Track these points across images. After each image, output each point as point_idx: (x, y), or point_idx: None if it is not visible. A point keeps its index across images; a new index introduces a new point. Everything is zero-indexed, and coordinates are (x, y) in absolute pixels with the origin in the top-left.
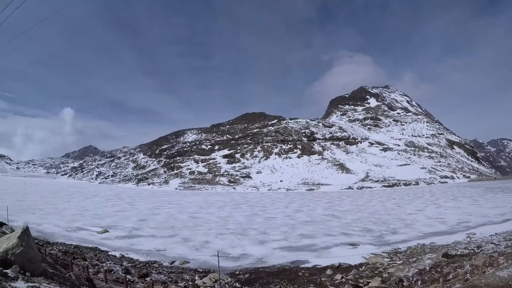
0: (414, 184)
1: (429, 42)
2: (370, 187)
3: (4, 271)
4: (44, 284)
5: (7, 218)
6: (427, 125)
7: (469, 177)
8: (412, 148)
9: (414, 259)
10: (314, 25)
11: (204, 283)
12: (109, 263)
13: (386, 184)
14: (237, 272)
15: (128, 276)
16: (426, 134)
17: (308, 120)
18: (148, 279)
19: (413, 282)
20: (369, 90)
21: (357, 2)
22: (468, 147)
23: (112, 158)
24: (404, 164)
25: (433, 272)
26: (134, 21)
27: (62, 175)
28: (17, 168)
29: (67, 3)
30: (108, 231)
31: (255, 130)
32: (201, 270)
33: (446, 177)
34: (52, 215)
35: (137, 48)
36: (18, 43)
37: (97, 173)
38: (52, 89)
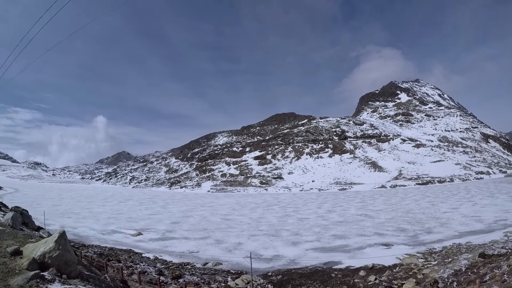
0: (448, 181)
1: (458, 30)
2: (404, 185)
3: (41, 273)
4: (80, 286)
5: (44, 222)
6: (461, 119)
7: (505, 172)
8: (446, 144)
9: (449, 259)
10: (339, 22)
11: (237, 284)
12: (143, 265)
13: (420, 182)
14: (270, 274)
15: (162, 278)
16: (460, 128)
17: (338, 119)
18: (181, 280)
19: (448, 283)
20: (399, 85)
21: None
22: (504, 140)
23: (145, 163)
24: (438, 161)
25: (469, 273)
26: (162, 29)
27: (96, 180)
28: (53, 174)
29: (94, 16)
30: (142, 234)
31: (286, 131)
32: (233, 272)
33: (481, 172)
34: (88, 219)
35: (166, 54)
36: (50, 56)
37: (131, 177)
38: (85, 99)
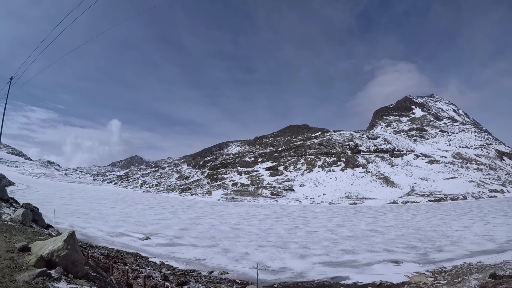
0: (461, 199)
1: (474, 45)
2: (416, 202)
3: (48, 271)
4: (86, 287)
5: (53, 221)
6: (475, 135)
7: None
8: (460, 160)
9: (459, 279)
10: (354, 34)
11: None
12: (149, 269)
13: (432, 199)
14: (276, 286)
15: (167, 283)
16: (474, 144)
17: (352, 132)
18: (186, 287)
19: None
20: (414, 99)
21: (397, 8)
22: None
23: (156, 168)
24: (451, 177)
25: None
26: (179, 37)
27: (108, 182)
28: (65, 174)
29: (114, 22)
30: (150, 238)
31: (299, 143)
32: (239, 282)
33: (495, 190)
34: (97, 220)
35: (182, 62)
36: (69, 59)
37: (142, 182)
38: (101, 102)
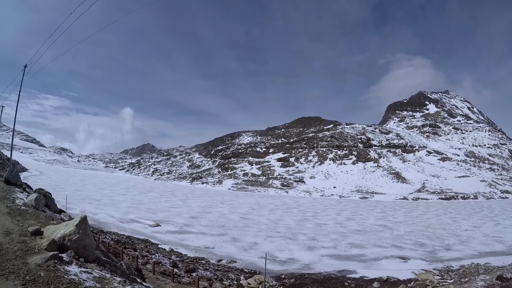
0: (472, 198)
1: (491, 43)
2: (426, 199)
3: (59, 255)
4: (96, 270)
5: (65, 206)
6: (489, 134)
7: None
8: (472, 159)
9: (466, 279)
10: (369, 27)
11: (249, 283)
12: (158, 256)
13: (443, 197)
14: (283, 276)
15: (175, 270)
16: (488, 144)
17: (364, 126)
18: (194, 274)
19: None
20: (428, 95)
21: (413, 2)
22: None
23: (168, 156)
24: (463, 176)
25: None
26: (193, 27)
27: (120, 169)
28: (78, 161)
29: (126, 11)
30: (160, 225)
31: (310, 135)
32: (247, 271)
33: (507, 192)
34: (108, 206)
35: (196, 52)
36: (81, 48)
37: (153, 169)
38: (113, 90)
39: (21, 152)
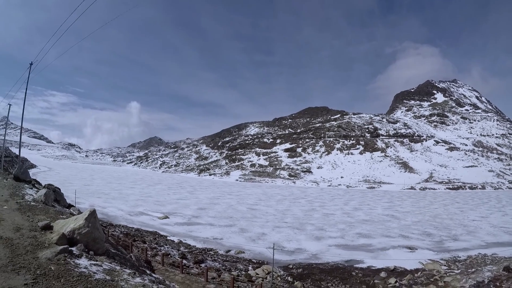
0: (480, 188)
1: (500, 31)
2: (433, 189)
3: (69, 248)
4: (106, 263)
5: (74, 201)
6: (497, 124)
7: None
8: (480, 149)
9: (473, 269)
10: (376, 16)
11: (257, 273)
12: (167, 247)
13: (451, 187)
14: (291, 266)
15: (184, 261)
16: (496, 133)
17: (371, 116)
18: (203, 265)
19: None
20: (436, 84)
21: None
22: None
23: (175, 149)
24: (471, 166)
25: (491, 286)
26: (199, 19)
27: (127, 163)
28: (86, 156)
29: (130, 6)
30: (168, 217)
31: (318, 125)
32: (255, 261)
33: None
34: (117, 200)
35: (201, 45)
36: (86, 44)
37: (161, 162)
38: (119, 85)
39: (30, 149)
